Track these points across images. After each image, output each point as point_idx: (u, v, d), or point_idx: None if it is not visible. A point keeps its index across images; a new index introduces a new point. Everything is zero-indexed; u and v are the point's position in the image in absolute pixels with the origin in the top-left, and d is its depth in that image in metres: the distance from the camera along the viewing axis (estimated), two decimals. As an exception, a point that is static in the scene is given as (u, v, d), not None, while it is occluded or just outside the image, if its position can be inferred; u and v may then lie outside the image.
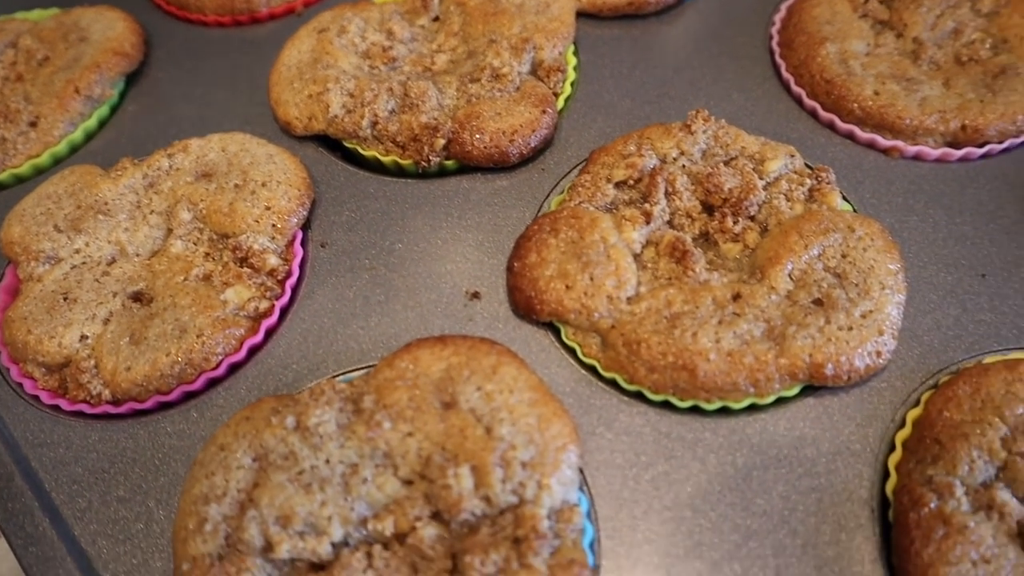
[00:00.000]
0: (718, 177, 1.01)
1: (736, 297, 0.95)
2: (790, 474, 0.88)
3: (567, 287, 0.96)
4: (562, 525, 0.84)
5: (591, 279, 0.96)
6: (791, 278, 0.96)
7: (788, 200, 1.02)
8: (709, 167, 1.04)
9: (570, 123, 1.17)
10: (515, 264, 1.00)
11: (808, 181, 1.03)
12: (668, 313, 0.94)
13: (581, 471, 0.89)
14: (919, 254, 1.02)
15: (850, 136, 1.12)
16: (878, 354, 0.91)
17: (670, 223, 1.02)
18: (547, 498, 0.84)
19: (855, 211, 1.05)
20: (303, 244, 1.08)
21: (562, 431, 0.88)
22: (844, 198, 1.06)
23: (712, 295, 0.95)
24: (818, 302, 0.94)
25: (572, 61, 1.25)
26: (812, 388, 0.93)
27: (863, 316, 0.92)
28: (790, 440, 0.90)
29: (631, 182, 1.04)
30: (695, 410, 0.92)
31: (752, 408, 0.92)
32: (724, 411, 0.93)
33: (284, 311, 1.03)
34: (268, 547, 0.83)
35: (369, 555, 0.83)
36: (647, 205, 1.01)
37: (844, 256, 0.96)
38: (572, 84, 1.23)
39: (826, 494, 0.87)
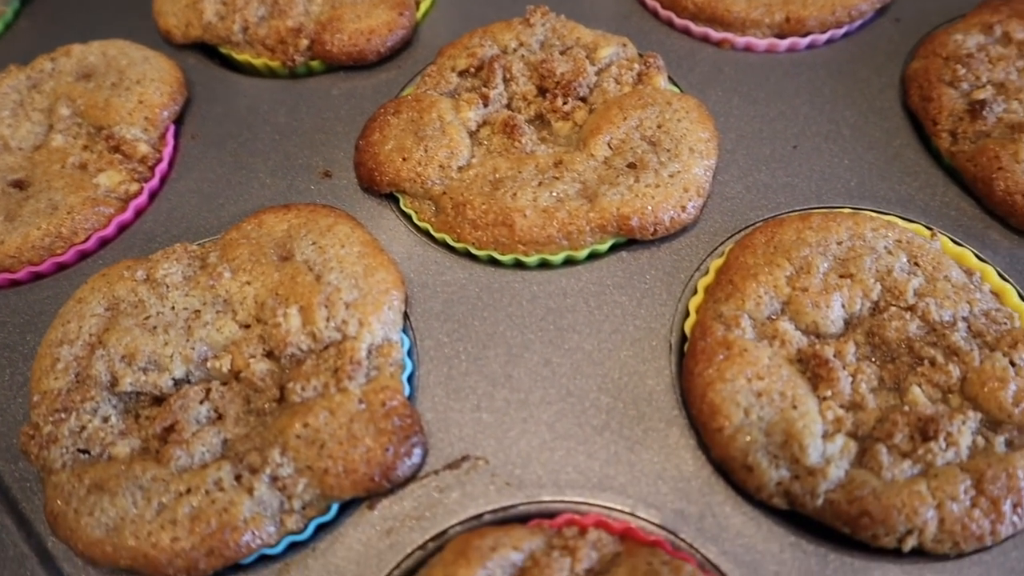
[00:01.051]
0: (551, 63, 1.10)
1: (557, 164, 1.03)
2: (599, 317, 0.96)
3: (404, 159, 1.04)
4: (381, 359, 0.92)
5: (426, 151, 1.04)
6: (609, 146, 1.04)
7: (617, 83, 1.10)
8: (545, 55, 1.12)
9: (430, 28, 1.26)
10: (360, 142, 1.09)
11: (637, 66, 1.12)
12: (493, 178, 1.02)
13: (407, 317, 0.97)
14: (738, 129, 1.11)
15: (686, 31, 1.21)
16: (683, 208, 0.99)
17: (508, 106, 1.11)
18: (367, 335, 0.92)
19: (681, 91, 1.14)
20: (176, 137, 1.17)
21: (386, 278, 0.96)
22: (672, 82, 1.14)
23: (536, 163, 1.03)
24: (631, 165, 1.02)
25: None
26: (625, 244, 1.01)
27: (671, 176, 1.00)
28: (602, 288, 0.98)
29: (472, 70, 1.13)
30: (517, 265, 1.00)
31: (568, 262, 1.00)
32: (544, 265, 1.01)
33: (153, 194, 1.12)
34: (113, 381, 0.91)
35: (207, 390, 0.91)
36: (485, 89, 1.10)
37: (660, 126, 1.05)
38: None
39: (630, 332, 0.95)
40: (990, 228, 1.01)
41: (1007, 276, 0.97)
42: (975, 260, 0.98)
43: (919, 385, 0.87)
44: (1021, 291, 0.97)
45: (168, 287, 0.96)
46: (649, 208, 0.98)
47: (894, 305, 0.93)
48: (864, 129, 1.11)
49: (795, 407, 0.85)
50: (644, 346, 0.94)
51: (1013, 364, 0.88)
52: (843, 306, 0.92)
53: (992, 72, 1.09)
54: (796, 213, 1.00)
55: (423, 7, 1.28)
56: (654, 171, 1.01)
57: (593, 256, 1.01)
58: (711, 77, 1.16)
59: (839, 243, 0.96)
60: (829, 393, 0.87)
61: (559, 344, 0.95)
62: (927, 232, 0.99)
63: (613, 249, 1.01)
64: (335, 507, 0.86)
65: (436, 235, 1.02)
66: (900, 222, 1.00)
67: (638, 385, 0.92)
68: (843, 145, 1.10)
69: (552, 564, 0.80)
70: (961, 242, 1.00)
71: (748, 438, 0.84)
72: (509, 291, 0.99)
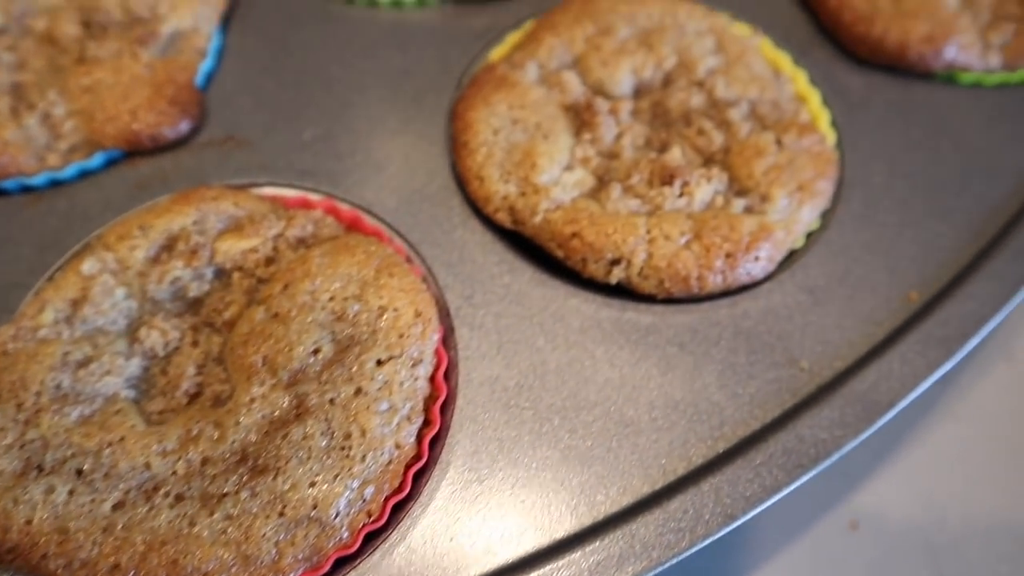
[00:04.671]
0: None
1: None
2: (404, 49, 0.98)
3: None
4: (184, 43, 0.95)
5: None
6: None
7: None
8: None
9: None
10: None
11: None
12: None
13: (228, 21, 1.00)
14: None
15: None
16: (510, -34, 1.00)
17: None
18: (175, 19, 0.95)
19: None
20: None
21: (211, -23, 0.99)
22: None
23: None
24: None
25: None
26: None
27: (509, -64, 1.01)
28: (417, 28, 0.99)
29: None
30: (350, 2, 1.02)
31: (395, 4, 1.02)
32: (372, 3, 1.02)
33: None
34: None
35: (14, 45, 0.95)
36: None
37: None
38: None
39: (430, 69, 0.96)
40: (819, 43, 0.99)
41: (817, 82, 0.96)
42: (790, 65, 0.96)
43: (681, 147, 0.87)
44: (826, 98, 0.94)
45: None
46: (476, -42, 0.99)
47: (685, 78, 0.92)
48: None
49: (546, 137, 0.86)
50: (435, 80, 0.95)
51: (780, 144, 0.87)
52: (633, 71, 0.92)
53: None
54: (623, -7, 1.00)
55: None
56: (494, -70, 1.02)
57: (421, 4, 1.02)
58: None
59: (650, 16, 0.95)
60: (589, 138, 0.87)
61: (362, 71, 0.96)
62: (749, 31, 0.98)
63: (444, 1, 1.03)
64: (100, 157, 0.90)
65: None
66: (725, 17, 0.99)
67: (421, 105, 0.93)
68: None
69: (264, 223, 0.82)
70: (785, 48, 0.98)
71: (486, 151, 0.85)
72: (331, 20, 1.00)
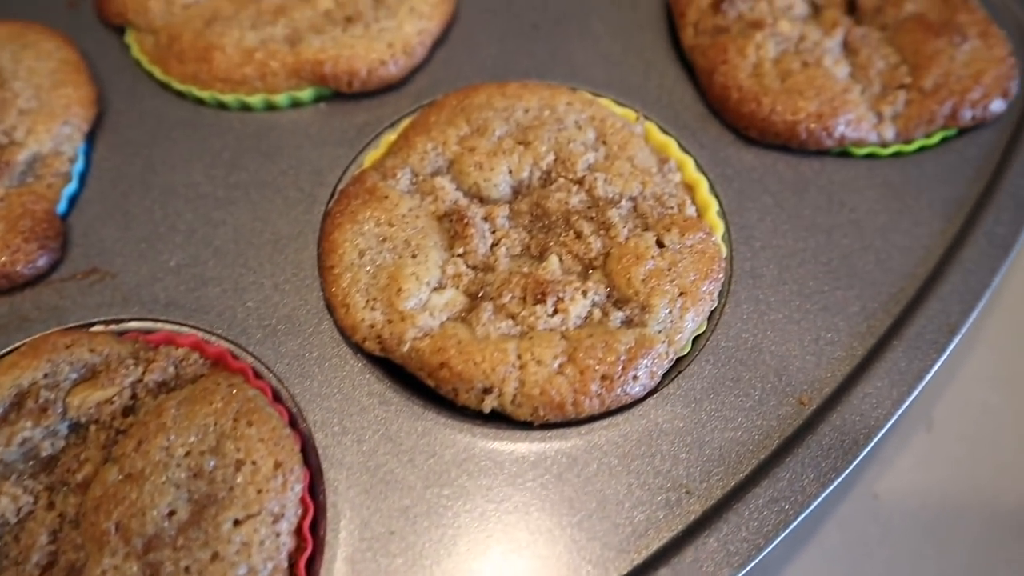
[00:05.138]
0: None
1: (279, 10, 1.00)
2: (275, 162, 0.93)
3: (134, -9, 1.03)
4: (44, 168, 0.91)
5: (156, -15, 1.03)
6: (335, 0, 1.01)
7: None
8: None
9: None
10: (102, -18, 1.08)
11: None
12: (211, 16, 1.00)
13: (93, 139, 0.96)
14: (483, 3, 1.07)
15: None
16: (382, 63, 0.95)
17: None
18: (34, 143, 0.91)
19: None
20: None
21: (72, 95, 0.95)
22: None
23: (258, 7, 1.01)
24: (348, 19, 0.99)
25: None
26: (330, 96, 0.98)
27: (380, 31, 0.97)
28: (289, 135, 0.95)
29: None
30: (220, 106, 0.98)
31: (269, 107, 0.98)
32: (245, 108, 0.98)
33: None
34: None
35: None
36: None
37: (391, -15, 1.02)
38: None
39: (301, 178, 0.92)
40: (708, 124, 0.95)
41: (706, 170, 0.92)
42: (677, 151, 0.92)
43: (559, 255, 0.83)
44: (717, 190, 0.91)
45: None
46: (345, 57, 0.95)
47: (563, 177, 0.88)
48: (617, 18, 1.06)
49: (414, 256, 0.82)
50: (308, 192, 0.91)
51: (661, 245, 0.83)
52: (510, 171, 0.88)
53: (755, -30, 1.03)
54: (502, 81, 0.96)
55: None
56: (365, 25, 0.97)
57: (296, 105, 0.99)
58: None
59: (527, 111, 0.92)
60: (462, 251, 0.83)
61: (232, 185, 0.92)
62: (634, 116, 0.94)
63: (319, 100, 0.99)
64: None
65: (146, 66, 1.01)
66: (608, 103, 0.95)
67: (292, 220, 0.89)
68: (586, 28, 1.05)
69: (120, 369, 0.78)
70: (672, 132, 0.94)
71: (351, 276, 0.81)
72: (202, 128, 0.96)
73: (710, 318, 0.83)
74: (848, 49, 0.98)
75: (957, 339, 0.82)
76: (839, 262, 0.87)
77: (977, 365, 0.98)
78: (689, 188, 0.90)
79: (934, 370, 0.80)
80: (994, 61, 0.96)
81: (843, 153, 0.94)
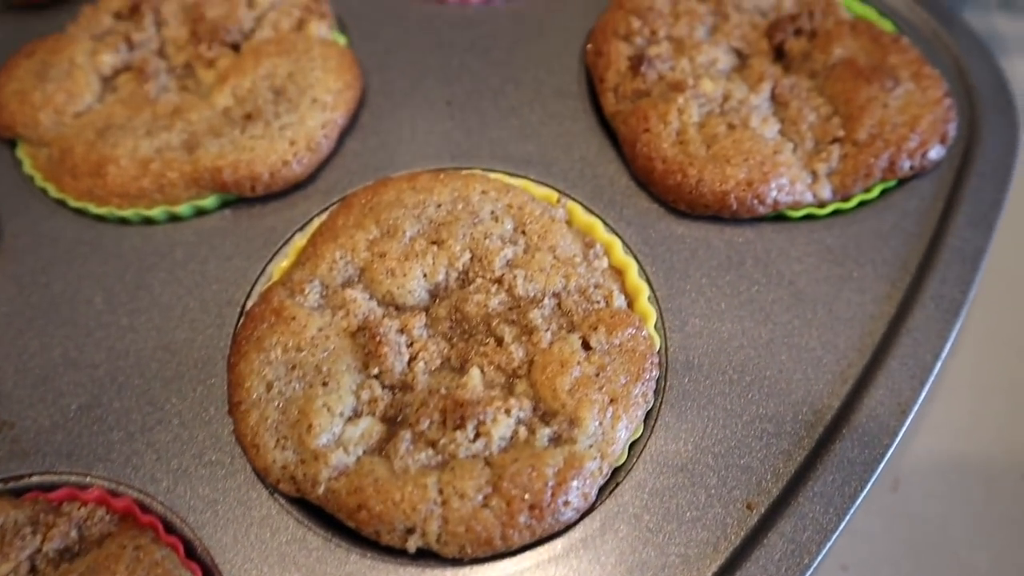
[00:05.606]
0: (203, 6, 1.01)
1: (175, 112, 0.94)
2: (181, 277, 0.88)
3: (20, 102, 0.97)
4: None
5: (43, 95, 0.96)
6: (234, 96, 0.95)
7: (274, 29, 1.01)
8: (202, -2, 1.04)
9: None
10: (-13, 87, 1.02)
11: (296, 11, 1.02)
12: (103, 125, 0.94)
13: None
14: (392, 82, 1.01)
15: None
16: (285, 163, 0.90)
17: (160, 52, 1.03)
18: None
19: (350, 43, 1.06)
20: None
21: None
22: (342, 30, 1.05)
23: (153, 110, 0.95)
24: (248, 116, 0.93)
25: None
26: (235, 201, 0.93)
27: (281, 128, 0.91)
28: (194, 248, 0.89)
29: (127, 12, 1.05)
30: (121, 221, 0.92)
31: (172, 218, 0.92)
32: (148, 221, 0.93)
33: None
34: None
35: None
36: (135, 32, 1.02)
37: (290, 75, 0.95)
38: None
39: (207, 295, 0.86)
40: (634, 197, 0.90)
41: (634, 249, 0.87)
42: (603, 232, 0.87)
43: (481, 367, 0.78)
44: (648, 272, 0.86)
45: None
46: (245, 161, 0.89)
47: (481, 276, 0.83)
48: (534, 86, 1.00)
49: (325, 384, 0.76)
50: (215, 313, 0.85)
51: (588, 348, 0.78)
52: (425, 275, 0.82)
53: (673, 27, 0.97)
54: (413, 172, 0.90)
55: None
56: (265, 123, 0.92)
57: (200, 213, 0.93)
58: (391, 26, 1.06)
59: (439, 206, 0.86)
60: (377, 371, 0.78)
61: (135, 310, 0.86)
62: (555, 198, 0.89)
63: (225, 206, 0.93)
64: None
65: (40, 184, 0.95)
66: (527, 185, 0.90)
67: (196, 351, 0.83)
68: (502, 100, 1.00)
69: (15, 542, 0.73)
70: (595, 211, 0.89)
71: (259, 413, 0.76)
72: (101, 249, 0.91)
73: (647, 419, 0.78)
74: (777, 102, 0.93)
75: (909, 420, 0.77)
76: (780, 342, 0.81)
77: (941, 416, 0.93)
78: (618, 273, 0.85)
79: (886, 459, 0.75)
80: (929, 104, 0.90)
81: (779, 216, 0.89)
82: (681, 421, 0.78)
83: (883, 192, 0.90)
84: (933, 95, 0.91)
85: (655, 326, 0.82)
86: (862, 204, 0.90)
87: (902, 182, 0.91)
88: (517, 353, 0.78)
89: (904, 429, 0.77)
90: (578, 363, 0.76)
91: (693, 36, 0.96)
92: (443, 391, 0.76)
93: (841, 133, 0.89)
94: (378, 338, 0.78)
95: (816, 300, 0.84)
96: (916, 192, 0.90)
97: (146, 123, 0.93)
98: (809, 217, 0.89)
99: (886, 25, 1.02)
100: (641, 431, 0.78)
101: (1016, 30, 1.37)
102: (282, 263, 0.88)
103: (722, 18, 1.00)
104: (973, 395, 0.96)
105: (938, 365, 0.80)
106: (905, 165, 0.88)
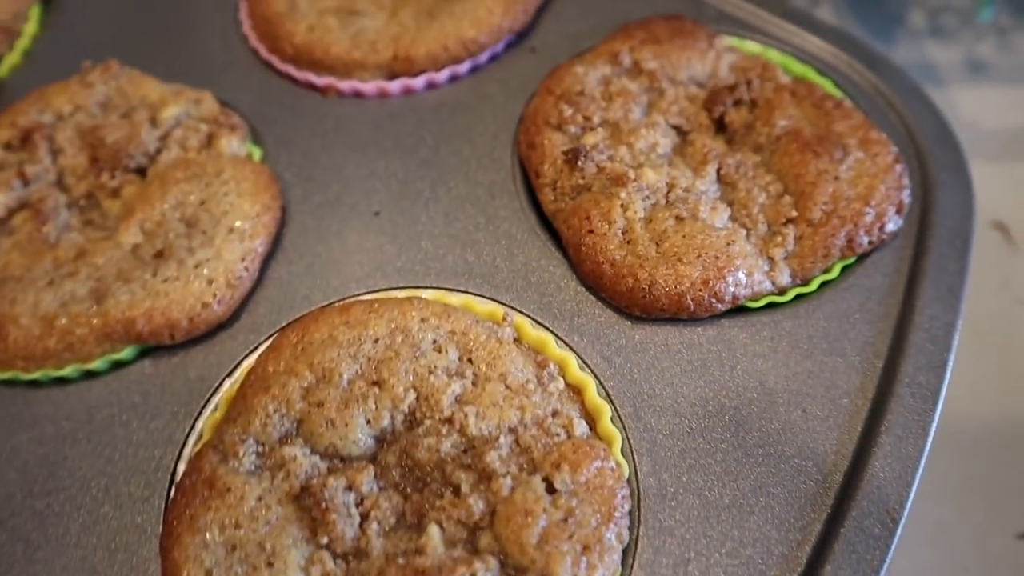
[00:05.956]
0: (102, 129, 0.93)
1: (79, 256, 0.86)
2: (99, 445, 0.80)
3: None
4: None
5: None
6: (143, 231, 0.87)
7: (182, 149, 0.94)
8: (100, 121, 0.96)
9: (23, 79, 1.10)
10: None
11: (204, 127, 0.95)
12: (1, 277, 0.86)
13: None
14: (315, 194, 0.94)
15: (290, 77, 1.04)
16: (205, 305, 0.82)
17: (59, 183, 0.94)
18: None
19: (265, 154, 0.98)
20: None
21: None
22: (257, 141, 0.98)
23: (55, 255, 0.87)
24: (159, 254, 0.85)
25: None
26: (154, 348, 0.85)
27: (196, 266, 0.84)
28: (110, 408, 0.81)
29: (17, 143, 0.96)
30: (32, 383, 0.84)
31: (87, 375, 0.84)
32: (60, 381, 0.85)
33: None
34: None
35: None
36: (28, 165, 0.94)
37: (202, 203, 0.88)
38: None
39: (131, 463, 0.78)
40: (585, 303, 0.84)
41: (590, 364, 0.81)
42: (555, 349, 0.81)
43: (439, 522, 0.71)
44: (604, 383, 0.80)
45: None
46: (159, 309, 0.81)
47: (429, 418, 0.76)
48: (466, 186, 0.94)
49: (271, 564, 0.69)
50: (143, 485, 0.78)
51: (552, 490, 0.72)
52: (368, 422, 0.76)
53: (607, 110, 0.91)
54: (344, 302, 0.83)
55: (11, 58, 1.12)
56: (178, 261, 0.84)
57: (118, 365, 0.85)
58: (307, 130, 0.99)
59: (376, 340, 0.79)
60: (327, 540, 0.71)
61: (51, 491, 0.78)
62: (500, 315, 0.83)
63: (143, 355, 0.85)
64: None
65: (-65, 352, 0.86)
66: (469, 303, 0.84)
67: (125, 534, 0.75)
68: (434, 206, 0.93)
69: None
70: (545, 323, 0.83)
71: (195, 612, 0.68)
72: (9, 421, 0.81)
73: (624, 556, 0.72)
74: (724, 183, 0.88)
75: (900, 529, 0.72)
76: (758, 455, 0.76)
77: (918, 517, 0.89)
78: (576, 392, 0.79)
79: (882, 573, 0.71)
80: (880, 173, 0.86)
81: (740, 308, 0.84)
82: (660, 555, 0.72)
83: (844, 269, 0.86)
84: (883, 162, 0.87)
85: (621, 450, 0.77)
86: (824, 284, 0.85)
87: (861, 257, 0.86)
88: (477, 505, 0.71)
89: (896, 539, 0.72)
90: (544, 510, 0.70)
91: (629, 118, 0.90)
92: (401, 561, 0.69)
93: (794, 213, 0.85)
94: (324, 504, 0.71)
95: (789, 400, 0.79)
96: (878, 267, 0.85)
97: (47, 272, 0.85)
98: (771, 306, 0.84)
99: (826, 84, 0.98)
100: (620, 571, 0.72)
101: (948, 57, 1.35)
102: (214, 414, 0.81)
103: (657, 94, 0.95)
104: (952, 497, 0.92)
105: (922, 463, 0.75)
106: (863, 241, 0.84)
